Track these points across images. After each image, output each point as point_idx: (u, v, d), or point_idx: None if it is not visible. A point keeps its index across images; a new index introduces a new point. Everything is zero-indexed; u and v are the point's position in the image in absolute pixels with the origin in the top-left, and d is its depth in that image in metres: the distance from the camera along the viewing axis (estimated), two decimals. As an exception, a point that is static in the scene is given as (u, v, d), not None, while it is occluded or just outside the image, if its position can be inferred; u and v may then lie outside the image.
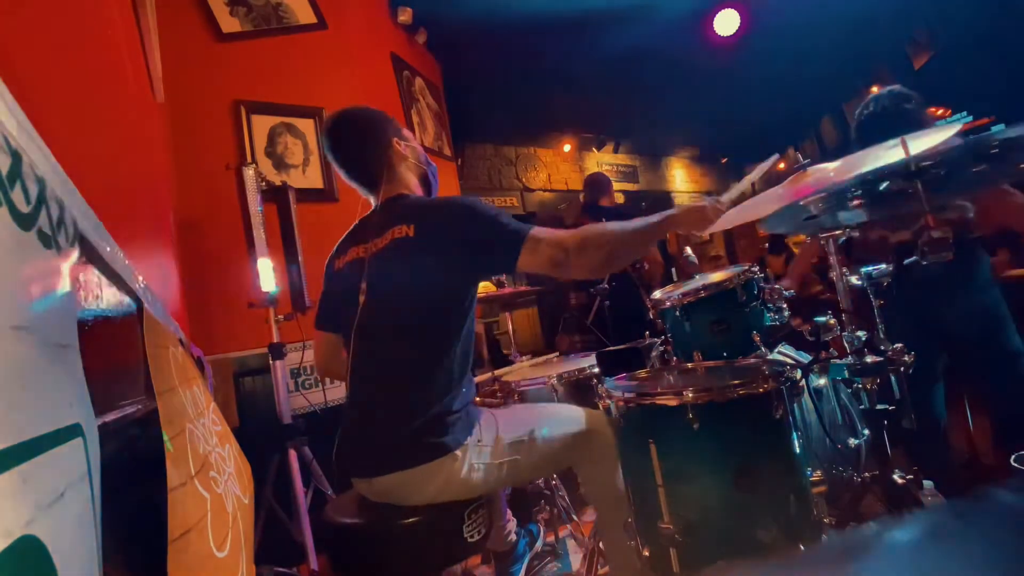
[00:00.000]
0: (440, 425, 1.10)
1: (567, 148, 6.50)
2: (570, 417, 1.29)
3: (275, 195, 2.05)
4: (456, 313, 1.16)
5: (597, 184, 3.30)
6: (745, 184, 1.32)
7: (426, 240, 1.14)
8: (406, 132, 1.36)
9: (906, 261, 1.14)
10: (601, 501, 1.28)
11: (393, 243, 1.17)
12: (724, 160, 8.53)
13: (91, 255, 0.52)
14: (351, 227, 1.36)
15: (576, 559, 1.83)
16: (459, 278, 1.16)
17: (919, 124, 1.52)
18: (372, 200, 1.33)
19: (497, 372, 2.03)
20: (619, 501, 1.16)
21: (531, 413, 1.29)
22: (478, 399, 1.80)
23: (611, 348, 1.76)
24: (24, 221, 0.36)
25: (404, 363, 1.14)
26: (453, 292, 1.15)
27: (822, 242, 1.20)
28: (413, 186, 1.33)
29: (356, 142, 1.31)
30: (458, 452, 1.10)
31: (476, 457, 1.13)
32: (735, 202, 1.28)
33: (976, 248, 1.58)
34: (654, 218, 1.19)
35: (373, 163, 1.30)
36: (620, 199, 7.10)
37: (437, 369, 1.13)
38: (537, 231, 1.11)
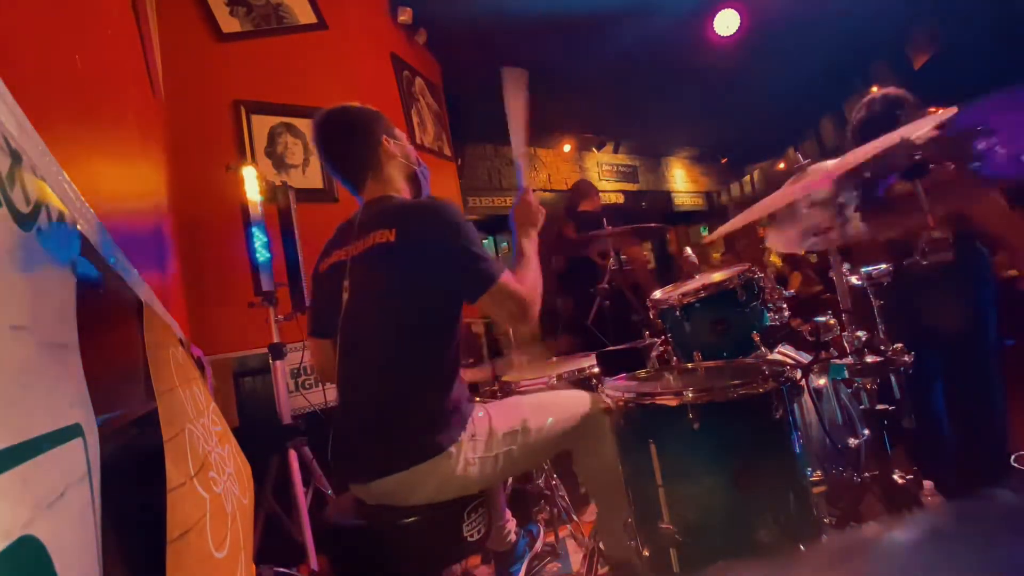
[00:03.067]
0: (433, 424, 1.10)
1: (567, 148, 6.51)
2: (563, 401, 1.29)
3: (275, 195, 2.05)
4: (441, 314, 1.15)
5: (577, 190, 3.43)
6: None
7: (406, 246, 1.14)
8: (398, 131, 1.35)
9: (906, 261, 1.14)
10: (598, 483, 1.28)
11: (374, 247, 1.17)
12: (724, 160, 8.53)
13: (91, 255, 0.52)
14: (336, 229, 1.35)
15: (576, 559, 1.83)
16: (438, 285, 1.15)
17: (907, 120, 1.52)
18: (359, 200, 1.32)
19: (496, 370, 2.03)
20: (616, 482, 1.16)
21: (523, 402, 1.29)
22: (478, 399, 1.80)
23: (611, 348, 1.76)
24: (24, 221, 0.36)
25: (391, 365, 1.14)
26: (436, 295, 1.14)
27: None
28: (401, 187, 1.32)
29: (345, 138, 1.30)
30: (452, 449, 1.10)
31: (471, 452, 1.13)
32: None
33: (976, 245, 1.58)
34: (523, 249, 1.27)
35: (361, 160, 1.29)
36: (620, 199, 7.11)
37: (425, 369, 1.13)
38: (505, 280, 1.12)
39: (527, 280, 1.17)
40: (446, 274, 1.13)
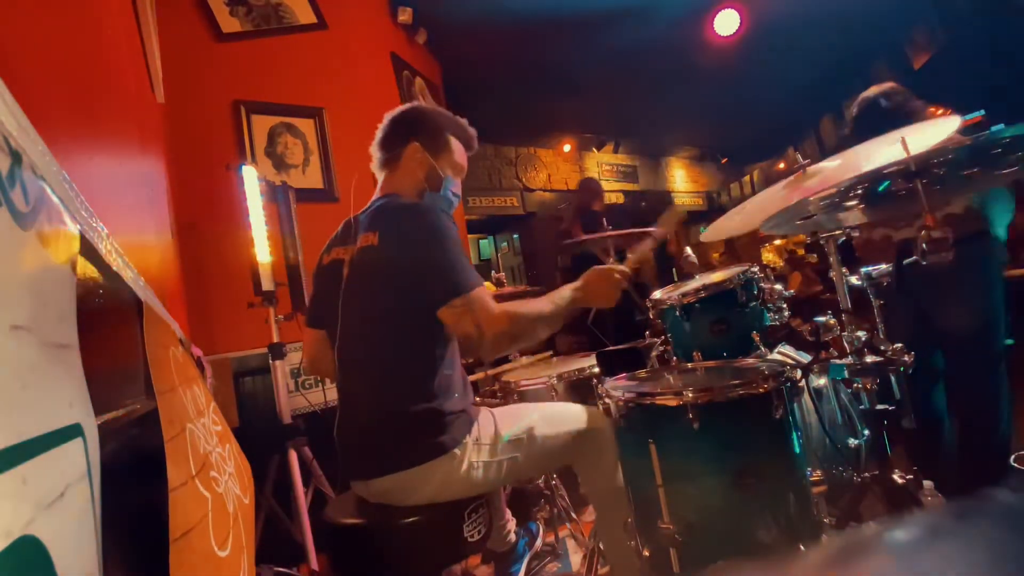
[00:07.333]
0: (437, 425, 1.10)
1: (567, 148, 6.51)
2: (569, 415, 1.29)
3: (275, 195, 2.05)
4: (430, 317, 1.12)
5: (588, 190, 3.45)
6: (646, 246, 1.35)
7: (386, 250, 1.14)
8: (455, 143, 1.33)
9: (905, 261, 1.14)
10: (601, 499, 1.28)
11: (362, 250, 1.18)
12: (724, 160, 8.53)
13: (91, 255, 0.52)
14: (342, 223, 1.35)
15: (576, 559, 1.83)
16: (418, 289, 1.12)
17: (905, 120, 1.51)
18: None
19: (493, 372, 2.03)
20: (619, 499, 1.16)
21: (530, 411, 1.29)
22: (478, 399, 1.80)
23: (611, 348, 1.76)
24: (24, 221, 0.36)
25: (390, 365, 1.14)
26: (419, 299, 1.11)
27: (822, 242, 1.20)
28: (412, 187, 1.29)
29: (388, 126, 1.33)
30: (457, 451, 1.10)
31: (475, 456, 1.13)
32: (635, 266, 1.30)
33: (979, 245, 1.57)
34: (564, 296, 1.20)
35: (386, 148, 1.32)
36: (620, 199, 7.11)
37: (425, 369, 1.13)
38: (476, 295, 1.07)
39: (517, 317, 1.09)
40: (413, 281, 1.11)
